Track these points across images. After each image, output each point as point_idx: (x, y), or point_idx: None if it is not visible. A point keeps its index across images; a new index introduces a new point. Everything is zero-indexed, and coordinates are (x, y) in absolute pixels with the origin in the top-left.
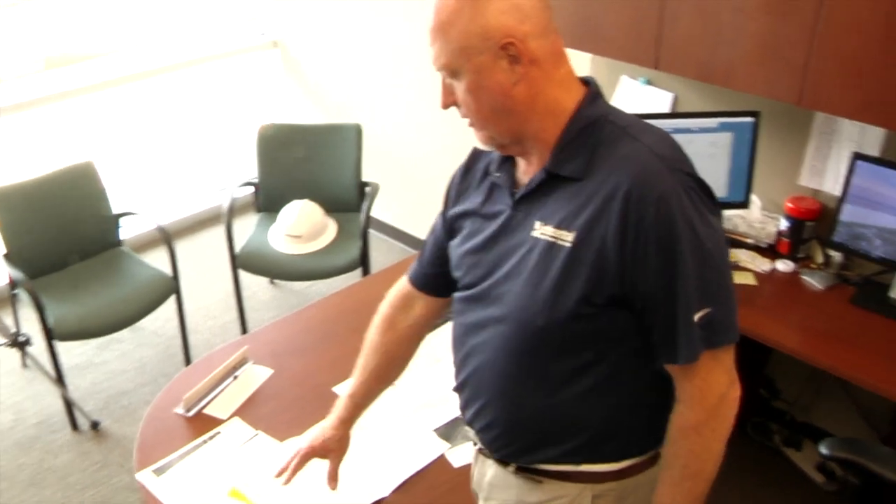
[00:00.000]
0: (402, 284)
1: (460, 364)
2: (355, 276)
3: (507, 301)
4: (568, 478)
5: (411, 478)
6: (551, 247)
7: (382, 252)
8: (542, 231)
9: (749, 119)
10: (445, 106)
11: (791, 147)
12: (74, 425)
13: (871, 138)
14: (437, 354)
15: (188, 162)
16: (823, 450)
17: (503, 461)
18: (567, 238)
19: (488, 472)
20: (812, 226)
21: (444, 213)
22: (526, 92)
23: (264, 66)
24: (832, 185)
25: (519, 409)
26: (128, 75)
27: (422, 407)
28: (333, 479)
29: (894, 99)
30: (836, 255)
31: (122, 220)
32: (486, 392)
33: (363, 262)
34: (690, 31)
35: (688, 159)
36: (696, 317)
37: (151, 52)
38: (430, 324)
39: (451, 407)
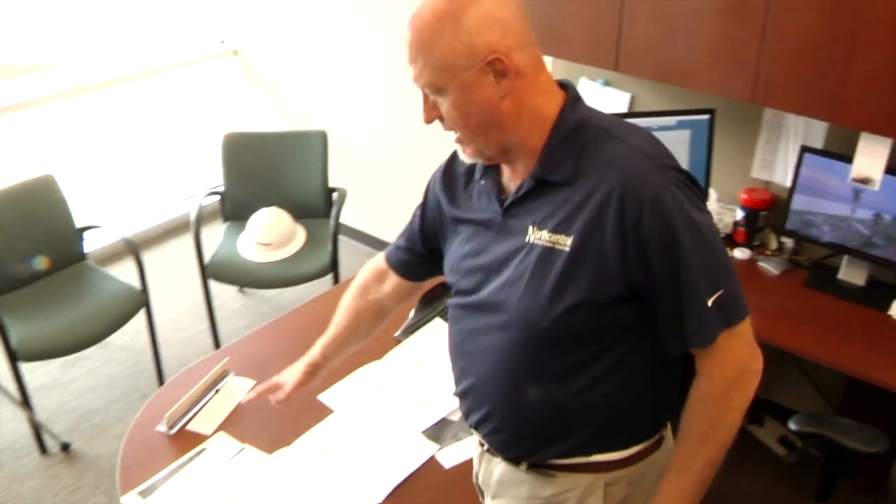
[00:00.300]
0: (380, 260)
1: (461, 372)
2: (326, 281)
3: (509, 308)
4: (580, 469)
5: (404, 482)
6: (550, 252)
7: (350, 256)
8: (537, 236)
9: (705, 116)
10: (429, 121)
11: (743, 142)
12: (43, 449)
13: (816, 132)
14: (418, 357)
15: (152, 172)
16: (792, 425)
17: (513, 461)
18: (565, 242)
19: (496, 471)
20: (765, 215)
21: (423, 206)
22: (512, 104)
23: (225, 74)
24: (782, 176)
25: (526, 412)
26: (87, 85)
27: (407, 409)
28: (284, 395)
29: (835, 96)
30: (789, 242)
31: (85, 234)
32: (491, 398)
33: (333, 267)
34: (648, 34)
35: (672, 155)
36: (710, 301)
37: (111, 61)
38: (396, 304)
39: (437, 408)
